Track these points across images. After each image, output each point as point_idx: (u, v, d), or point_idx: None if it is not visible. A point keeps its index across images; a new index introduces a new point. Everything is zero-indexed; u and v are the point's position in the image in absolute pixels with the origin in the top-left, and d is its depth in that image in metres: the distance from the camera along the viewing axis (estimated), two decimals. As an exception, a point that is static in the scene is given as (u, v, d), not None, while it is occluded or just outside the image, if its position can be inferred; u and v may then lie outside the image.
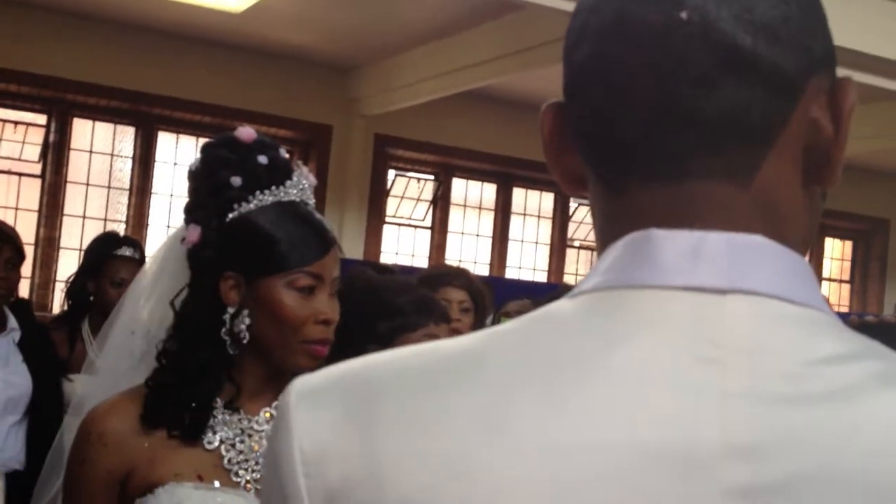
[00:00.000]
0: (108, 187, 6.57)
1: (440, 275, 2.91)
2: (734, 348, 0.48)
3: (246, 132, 1.38)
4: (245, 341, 1.32)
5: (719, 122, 0.51)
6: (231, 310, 1.33)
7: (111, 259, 3.37)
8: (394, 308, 1.83)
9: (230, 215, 1.34)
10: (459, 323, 2.82)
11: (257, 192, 1.34)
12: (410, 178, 7.58)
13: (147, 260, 1.50)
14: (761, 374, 0.47)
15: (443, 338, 1.90)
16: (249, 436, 1.34)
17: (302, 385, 0.55)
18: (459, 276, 2.96)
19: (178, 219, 1.32)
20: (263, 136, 1.41)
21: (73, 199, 6.40)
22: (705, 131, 0.51)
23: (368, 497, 0.48)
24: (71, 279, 3.47)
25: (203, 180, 1.39)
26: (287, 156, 1.41)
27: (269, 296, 1.30)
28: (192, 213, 1.38)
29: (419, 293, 1.94)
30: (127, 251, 3.41)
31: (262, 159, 1.36)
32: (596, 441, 0.47)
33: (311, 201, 1.39)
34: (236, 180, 1.35)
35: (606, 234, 0.56)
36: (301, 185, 1.37)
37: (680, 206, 0.52)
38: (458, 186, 7.87)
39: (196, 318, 1.34)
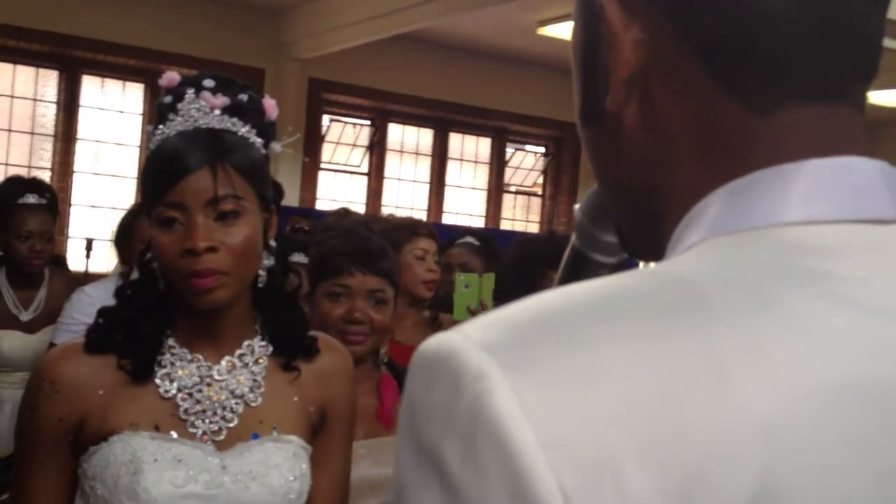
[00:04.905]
0: (32, 133, 6.35)
1: (408, 226, 2.84)
2: None
3: (166, 77, 1.33)
4: (161, 284, 1.31)
5: (872, 47, 0.51)
6: None
7: (15, 209, 3.09)
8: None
9: None
10: (434, 274, 2.76)
11: (152, 137, 1.31)
12: (346, 123, 7.48)
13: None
14: None
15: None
16: (209, 385, 1.31)
17: (484, 339, 0.43)
18: (424, 225, 2.91)
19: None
20: (196, 75, 1.33)
21: (-6, 146, 6.17)
22: (862, 55, 0.51)
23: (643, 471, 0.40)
24: None
25: None
26: (209, 82, 1.29)
27: (152, 236, 1.28)
28: None
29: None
30: (31, 198, 3.13)
31: (166, 99, 1.30)
32: (856, 376, 0.43)
33: (208, 123, 1.27)
34: (150, 128, 1.32)
35: (726, 156, 0.51)
36: (188, 111, 1.27)
37: (834, 129, 0.51)
38: (395, 132, 7.79)
39: (142, 265, 1.35)
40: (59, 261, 4.52)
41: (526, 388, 0.41)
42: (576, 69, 0.59)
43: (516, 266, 2.91)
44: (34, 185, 3.26)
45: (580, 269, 1.36)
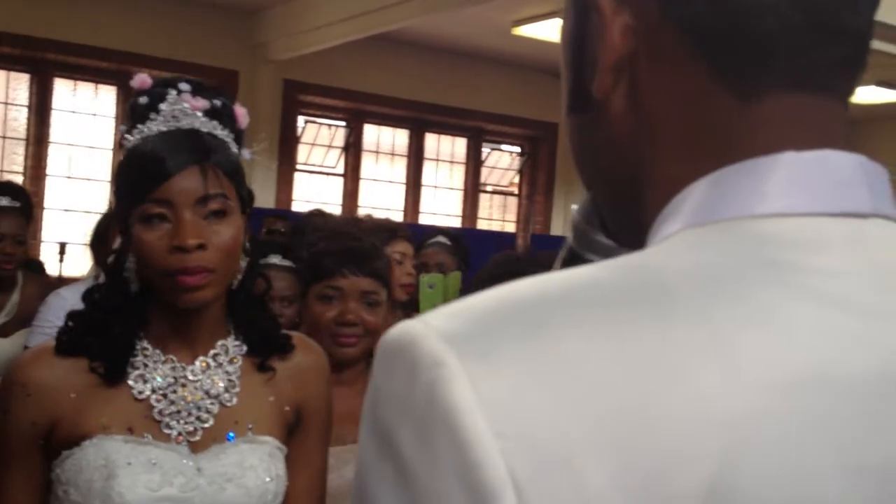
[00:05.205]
0: (3, 137, 6.29)
1: (387, 229, 2.85)
2: None
3: (137, 79, 1.33)
4: (134, 284, 1.31)
5: (861, 42, 0.52)
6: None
7: None
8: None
9: None
10: (412, 277, 2.76)
11: (127, 136, 1.31)
12: (321, 124, 7.46)
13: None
14: None
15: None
16: (183, 385, 1.30)
17: (444, 329, 0.43)
18: (403, 228, 2.92)
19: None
20: (170, 78, 1.34)
21: (-35, 150, 6.10)
22: (851, 49, 0.51)
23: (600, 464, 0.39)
24: None
25: None
26: (185, 85, 1.31)
27: (133, 235, 1.27)
28: None
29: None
30: (4, 201, 3.12)
31: (142, 100, 1.31)
32: (828, 370, 0.43)
33: (191, 125, 1.29)
34: (122, 128, 1.33)
35: (710, 145, 0.50)
36: (172, 112, 1.29)
37: (817, 121, 0.51)
38: (370, 132, 7.78)
39: (112, 266, 1.33)
40: (37, 265, 4.48)
41: (483, 378, 0.41)
42: (564, 61, 0.58)
43: (496, 283, 2.91)
44: (7, 187, 3.25)
45: None
